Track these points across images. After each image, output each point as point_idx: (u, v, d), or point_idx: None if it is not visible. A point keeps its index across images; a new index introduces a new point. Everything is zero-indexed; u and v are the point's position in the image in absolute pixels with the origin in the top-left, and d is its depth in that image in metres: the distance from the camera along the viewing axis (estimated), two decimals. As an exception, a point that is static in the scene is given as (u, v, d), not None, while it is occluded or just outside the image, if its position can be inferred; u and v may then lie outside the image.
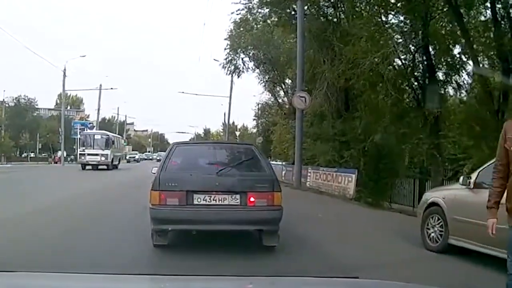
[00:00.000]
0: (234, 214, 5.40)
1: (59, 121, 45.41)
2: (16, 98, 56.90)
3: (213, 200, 5.41)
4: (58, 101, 60.00)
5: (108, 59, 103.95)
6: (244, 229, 5.78)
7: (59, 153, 45.75)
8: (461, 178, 5.56)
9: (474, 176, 5.47)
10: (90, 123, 57.14)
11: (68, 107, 66.50)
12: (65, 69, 40.59)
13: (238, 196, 5.42)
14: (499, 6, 11.67)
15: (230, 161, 6.09)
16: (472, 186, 5.39)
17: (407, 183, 14.77)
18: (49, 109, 68.31)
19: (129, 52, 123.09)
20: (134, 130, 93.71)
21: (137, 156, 60.82)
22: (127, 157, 57.01)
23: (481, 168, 5.44)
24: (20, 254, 4.90)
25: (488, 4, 12.01)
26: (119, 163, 31.56)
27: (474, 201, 5.25)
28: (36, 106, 62.08)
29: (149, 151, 78.19)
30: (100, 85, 49.76)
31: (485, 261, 5.11)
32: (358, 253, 5.84)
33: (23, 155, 57.39)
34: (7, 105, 56.50)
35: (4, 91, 66.98)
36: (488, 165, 5.43)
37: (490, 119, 11.39)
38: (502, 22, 11.75)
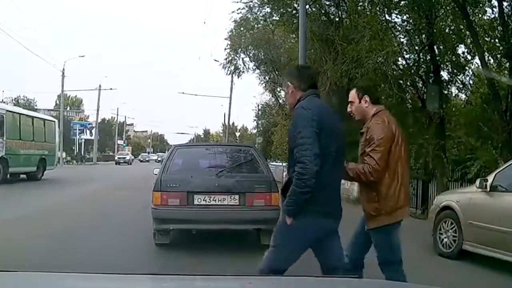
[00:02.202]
0: (233, 214, 5.62)
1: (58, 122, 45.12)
2: (15, 98, 56.71)
3: (213, 200, 5.61)
4: (58, 102, 59.77)
5: (107, 59, 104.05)
6: (242, 228, 6.05)
7: (58, 154, 44.84)
8: (478, 180, 5.26)
9: (490, 178, 5.18)
10: (89, 124, 56.90)
11: (68, 108, 66.35)
12: (63, 70, 40.35)
13: (237, 197, 5.63)
14: (506, 3, 11.44)
15: (230, 163, 6.29)
16: (488, 189, 5.12)
17: (409, 184, 14.52)
18: (48, 110, 68.04)
19: (129, 52, 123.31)
20: (134, 131, 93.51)
21: (128, 157, 52.12)
22: (116, 158, 51.96)
23: (498, 170, 5.19)
24: None
25: (495, 2, 11.78)
26: (41, 170, 18.29)
27: (490, 205, 5.00)
28: (35, 107, 61.89)
29: (148, 152, 77.17)
30: (100, 86, 49.57)
31: (500, 267, 4.85)
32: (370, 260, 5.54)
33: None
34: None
35: (3, 91, 66.68)
36: (506, 166, 5.18)
37: (497, 120, 11.14)
38: (509, 20, 11.53)
